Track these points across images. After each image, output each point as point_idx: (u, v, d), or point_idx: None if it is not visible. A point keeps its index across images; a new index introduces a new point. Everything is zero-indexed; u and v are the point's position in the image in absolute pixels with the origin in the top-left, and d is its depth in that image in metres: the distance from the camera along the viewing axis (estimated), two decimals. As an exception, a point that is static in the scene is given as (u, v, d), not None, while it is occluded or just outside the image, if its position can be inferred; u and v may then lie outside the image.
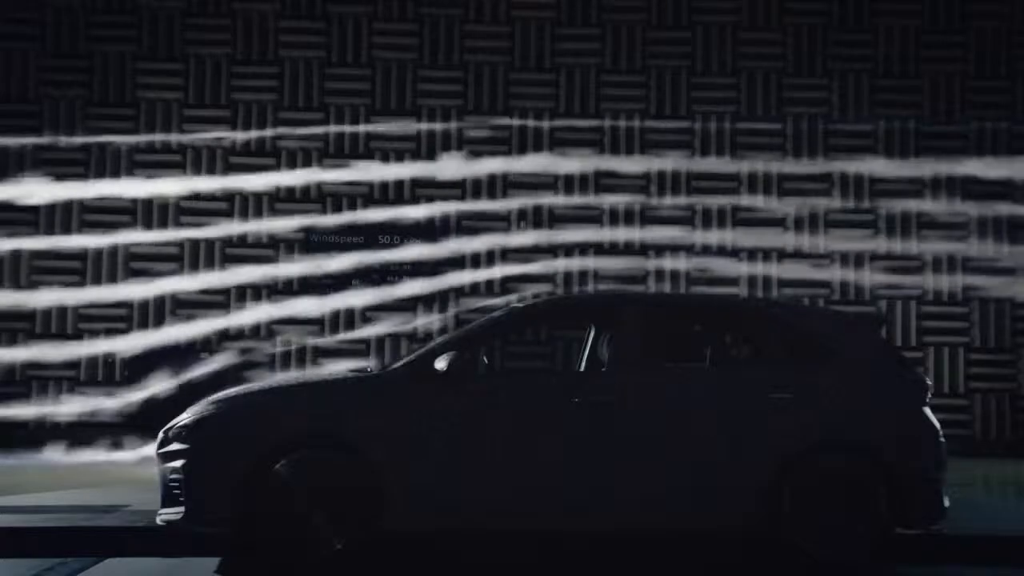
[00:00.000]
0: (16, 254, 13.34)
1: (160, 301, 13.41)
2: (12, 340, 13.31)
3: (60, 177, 13.39)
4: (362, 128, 13.80)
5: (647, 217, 13.82)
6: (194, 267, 13.48)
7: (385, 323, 13.22)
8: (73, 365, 13.31)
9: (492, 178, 13.80)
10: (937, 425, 6.89)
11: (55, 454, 12.05)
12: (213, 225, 13.53)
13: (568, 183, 13.83)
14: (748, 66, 14.11)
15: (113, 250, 13.44)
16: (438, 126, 13.82)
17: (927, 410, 6.91)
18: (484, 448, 6.60)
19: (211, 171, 13.66)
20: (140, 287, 13.38)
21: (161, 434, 6.79)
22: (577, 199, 13.81)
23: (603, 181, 13.88)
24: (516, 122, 13.79)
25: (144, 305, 13.41)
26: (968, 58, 14.18)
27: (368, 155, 13.81)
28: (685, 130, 13.96)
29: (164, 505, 6.68)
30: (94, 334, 13.35)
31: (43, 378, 13.29)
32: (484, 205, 13.73)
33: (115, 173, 13.55)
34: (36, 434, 13.09)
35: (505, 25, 14.03)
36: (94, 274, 13.42)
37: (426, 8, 13.98)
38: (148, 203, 13.51)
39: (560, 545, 7.25)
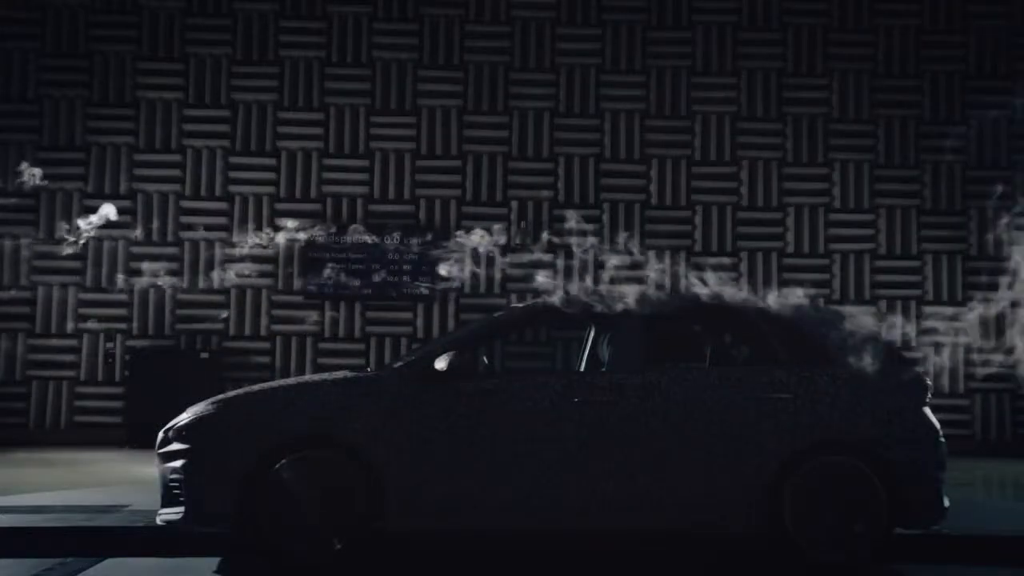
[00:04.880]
0: (16, 251, 13.36)
1: (160, 301, 13.43)
2: (12, 338, 13.33)
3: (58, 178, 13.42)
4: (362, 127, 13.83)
5: (648, 217, 13.83)
6: (194, 267, 13.48)
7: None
8: (73, 365, 13.33)
9: (492, 178, 13.81)
10: (937, 425, 6.89)
11: (55, 454, 12.04)
12: (213, 225, 13.55)
13: (568, 183, 13.85)
14: (748, 66, 14.12)
15: (113, 249, 13.44)
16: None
17: (927, 410, 6.91)
18: (484, 448, 6.60)
19: (211, 170, 13.67)
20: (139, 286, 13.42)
21: (161, 434, 6.79)
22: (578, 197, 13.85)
23: (604, 181, 13.89)
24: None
25: (144, 304, 13.43)
26: (968, 58, 14.19)
27: (368, 155, 13.82)
28: (685, 129, 13.99)
29: (164, 505, 6.68)
30: (93, 333, 13.37)
31: (43, 378, 13.30)
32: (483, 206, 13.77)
33: (115, 173, 13.59)
34: (36, 433, 13.11)
35: (505, 25, 14.03)
36: (94, 273, 13.42)
37: (426, 8, 13.99)
38: (148, 202, 13.51)
39: (560, 545, 7.25)
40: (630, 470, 6.62)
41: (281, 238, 13.18)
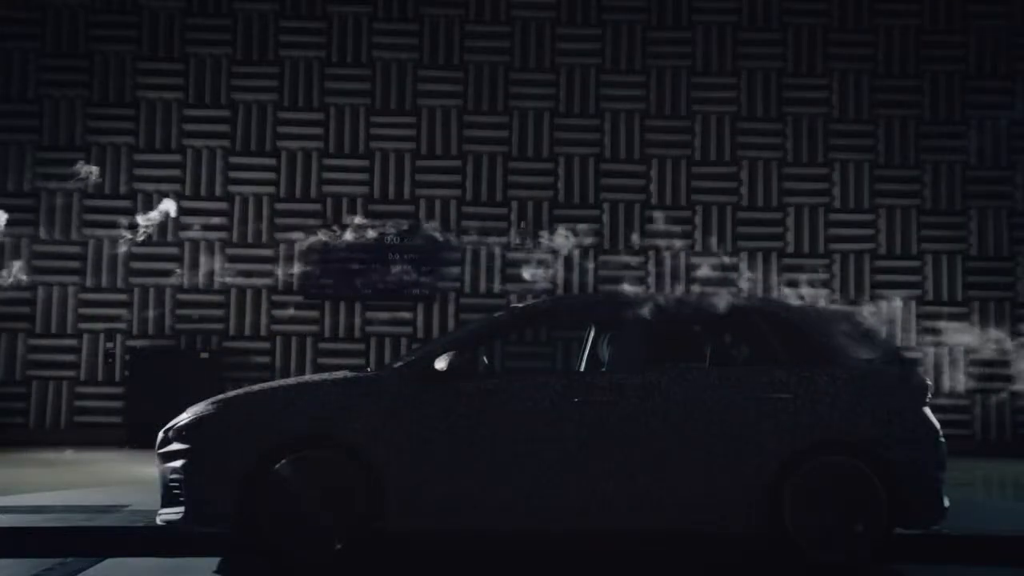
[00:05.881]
0: (16, 251, 13.35)
1: (160, 300, 13.43)
2: (12, 338, 13.33)
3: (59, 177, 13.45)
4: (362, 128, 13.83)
5: (648, 217, 13.83)
6: (194, 267, 13.48)
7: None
8: (73, 365, 13.33)
9: (492, 178, 13.81)
10: (937, 425, 6.89)
11: (55, 454, 12.04)
12: (213, 224, 13.54)
13: (568, 183, 13.84)
14: (748, 66, 14.12)
15: (113, 248, 13.44)
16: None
17: (927, 410, 6.91)
18: (484, 448, 6.60)
19: (211, 170, 13.67)
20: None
21: (161, 434, 6.79)
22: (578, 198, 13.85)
23: (604, 181, 13.89)
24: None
25: (144, 304, 13.43)
26: (968, 58, 14.19)
27: (368, 155, 13.82)
28: (685, 129, 13.99)
29: (164, 505, 6.68)
30: (94, 333, 13.37)
31: (43, 378, 13.29)
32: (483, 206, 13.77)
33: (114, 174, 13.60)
34: (36, 433, 13.10)
35: (505, 25, 14.03)
36: (94, 272, 13.42)
37: (426, 8, 13.99)
38: (148, 202, 13.51)
39: (560, 545, 7.25)
40: (630, 470, 6.62)
41: (348, 235, 13.20)
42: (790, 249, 13.89)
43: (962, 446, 12.35)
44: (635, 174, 13.93)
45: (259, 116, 13.79)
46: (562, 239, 13.01)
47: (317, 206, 13.65)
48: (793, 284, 13.59)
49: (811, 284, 13.32)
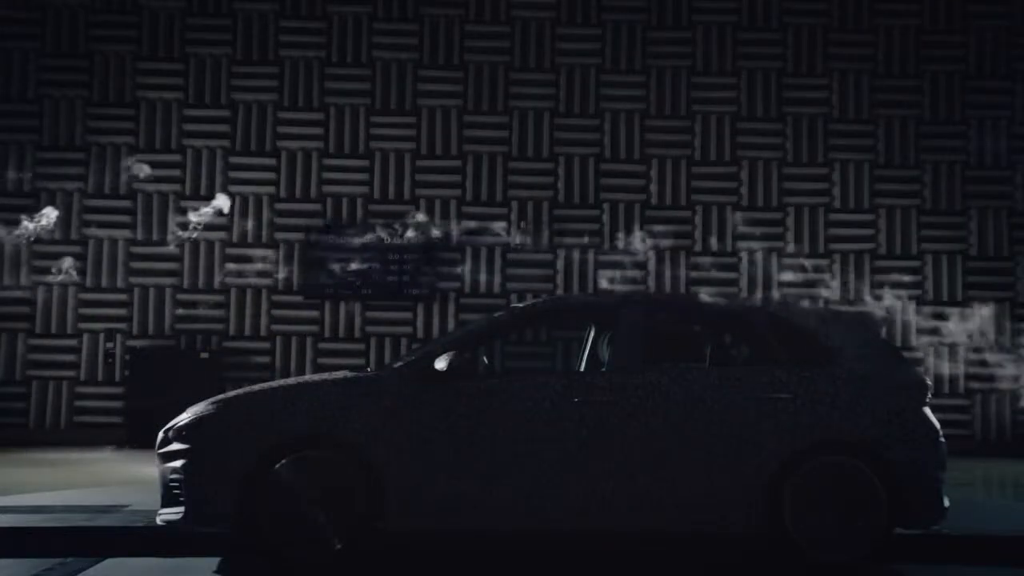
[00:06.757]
0: (16, 251, 13.36)
1: (160, 300, 13.43)
2: (12, 338, 13.33)
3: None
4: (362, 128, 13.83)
5: (648, 217, 13.83)
6: (194, 267, 13.48)
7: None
8: (73, 365, 13.33)
9: (492, 178, 13.81)
10: (937, 425, 6.89)
11: (55, 454, 12.04)
12: (214, 225, 13.52)
13: (568, 183, 13.84)
14: (748, 66, 14.12)
15: (113, 248, 13.45)
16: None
17: (927, 410, 6.91)
18: (484, 448, 6.60)
19: (211, 170, 13.67)
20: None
21: (161, 434, 6.79)
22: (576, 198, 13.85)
23: (604, 181, 13.89)
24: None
25: (144, 304, 13.43)
26: (968, 58, 14.19)
27: (368, 155, 13.82)
28: (685, 129, 13.98)
29: (164, 505, 6.68)
30: (93, 333, 13.38)
31: (43, 378, 13.29)
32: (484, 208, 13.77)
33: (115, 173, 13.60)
34: (36, 433, 13.10)
35: (505, 25, 14.03)
36: (94, 272, 13.42)
37: (426, 8, 13.99)
38: (148, 202, 13.51)
39: (560, 545, 7.25)
40: (630, 470, 6.63)
41: (411, 233, 13.21)
42: (790, 249, 13.88)
43: (962, 446, 12.35)
44: (635, 174, 13.93)
45: (259, 116, 13.79)
46: (640, 243, 13.05)
47: (317, 206, 13.65)
48: (794, 284, 13.60)
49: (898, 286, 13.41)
